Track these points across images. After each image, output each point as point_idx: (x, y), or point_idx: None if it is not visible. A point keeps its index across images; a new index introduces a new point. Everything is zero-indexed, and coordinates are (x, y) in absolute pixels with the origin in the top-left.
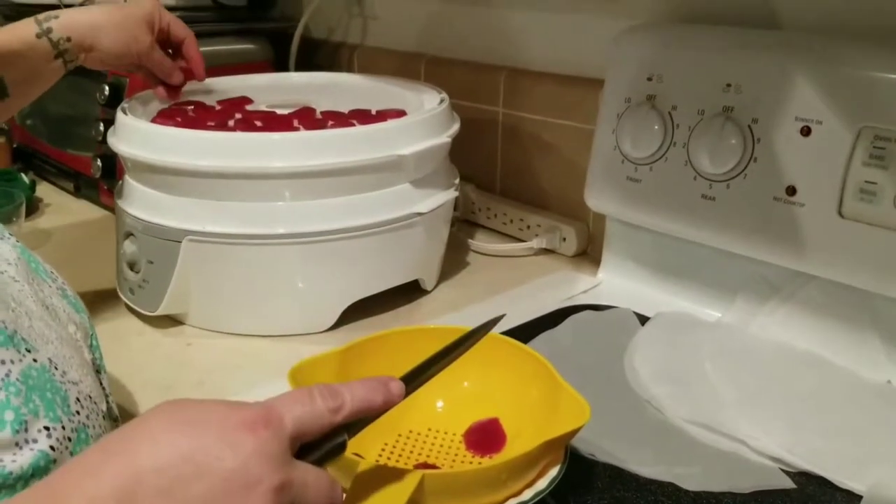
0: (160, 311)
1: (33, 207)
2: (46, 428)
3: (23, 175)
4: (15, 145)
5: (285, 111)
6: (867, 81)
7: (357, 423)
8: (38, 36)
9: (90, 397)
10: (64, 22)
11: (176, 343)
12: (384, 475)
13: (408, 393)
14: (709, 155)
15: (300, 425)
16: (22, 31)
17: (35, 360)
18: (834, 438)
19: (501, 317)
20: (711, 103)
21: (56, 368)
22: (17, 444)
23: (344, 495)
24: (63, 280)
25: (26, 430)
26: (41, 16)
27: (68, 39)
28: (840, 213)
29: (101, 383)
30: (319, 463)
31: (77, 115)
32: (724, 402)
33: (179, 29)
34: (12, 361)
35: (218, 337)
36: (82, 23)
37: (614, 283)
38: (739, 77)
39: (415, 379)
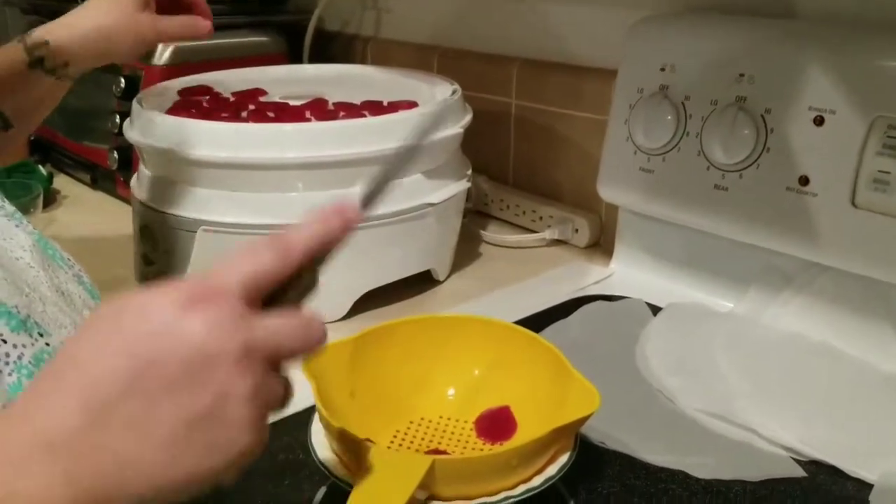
0: None
1: (50, 199)
2: None
3: (40, 167)
4: (32, 137)
5: (298, 103)
6: (881, 71)
7: (321, 256)
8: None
9: None
10: (49, 28)
11: None
12: (395, 460)
13: (366, 210)
14: (722, 145)
15: (251, 283)
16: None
17: (48, 344)
18: (846, 428)
19: (445, 107)
20: (724, 93)
21: None
22: None
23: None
24: (80, 267)
25: None
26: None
27: (65, 63)
28: (853, 203)
29: None
30: (297, 302)
31: (93, 107)
32: (735, 392)
33: None
34: (24, 346)
35: None
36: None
37: (626, 273)
38: (752, 67)
39: (372, 195)
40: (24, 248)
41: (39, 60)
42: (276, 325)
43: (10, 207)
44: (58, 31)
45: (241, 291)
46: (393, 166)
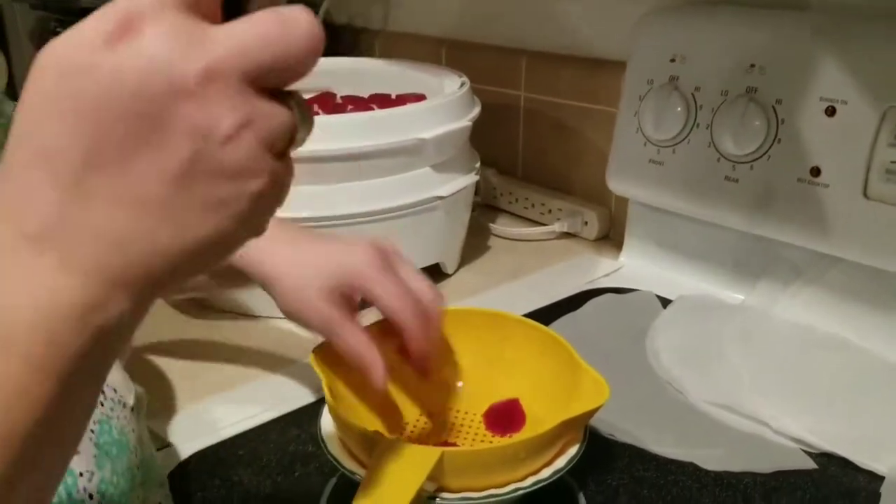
0: (186, 295)
1: None
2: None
3: None
4: None
5: (306, 96)
6: (893, 61)
7: None
8: None
9: (115, 390)
10: (247, 256)
11: (203, 326)
12: (404, 452)
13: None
14: (732, 136)
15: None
16: None
17: None
18: (856, 420)
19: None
20: (735, 84)
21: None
22: None
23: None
24: None
25: None
26: None
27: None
28: (865, 195)
29: (127, 376)
30: (255, 7)
31: None
32: (746, 384)
33: (397, 303)
34: None
35: (243, 320)
36: (266, 268)
37: (636, 266)
38: (763, 57)
39: None
40: None
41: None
42: (241, 32)
43: None
44: (256, 247)
45: (179, 2)
46: None
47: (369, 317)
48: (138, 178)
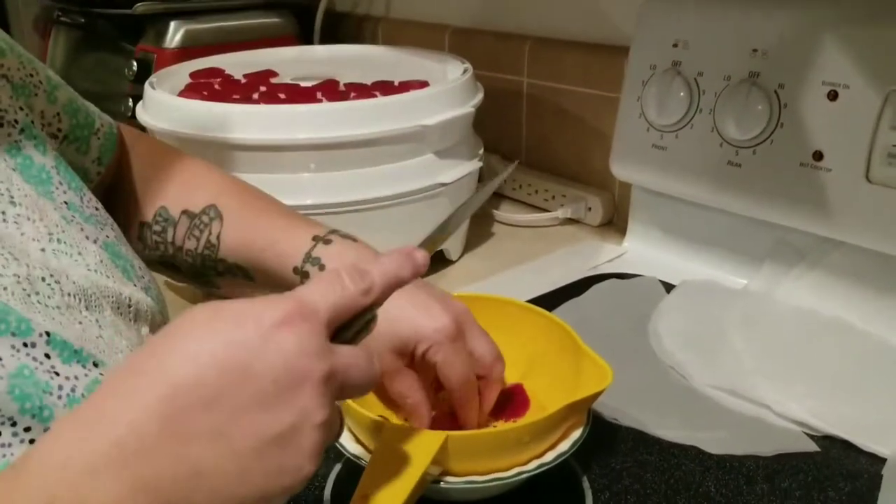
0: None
1: None
2: None
3: None
4: None
5: (309, 84)
6: (895, 44)
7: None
8: (298, 275)
9: None
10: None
11: None
12: (409, 437)
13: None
14: (735, 121)
15: (334, 312)
16: (283, 265)
17: (102, 374)
18: (859, 403)
19: (516, 163)
20: (738, 69)
21: None
22: None
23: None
24: (151, 277)
25: None
26: (308, 254)
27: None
28: (868, 178)
29: None
30: (353, 340)
31: (107, 91)
32: (748, 367)
33: (453, 374)
34: (76, 377)
35: None
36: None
37: (640, 251)
38: (766, 42)
39: (430, 242)
40: (89, 268)
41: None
42: (350, 358)
43: (88, 210)
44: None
45: (329, 320)
46: (453, 217)
47: None
48: (242, 429)
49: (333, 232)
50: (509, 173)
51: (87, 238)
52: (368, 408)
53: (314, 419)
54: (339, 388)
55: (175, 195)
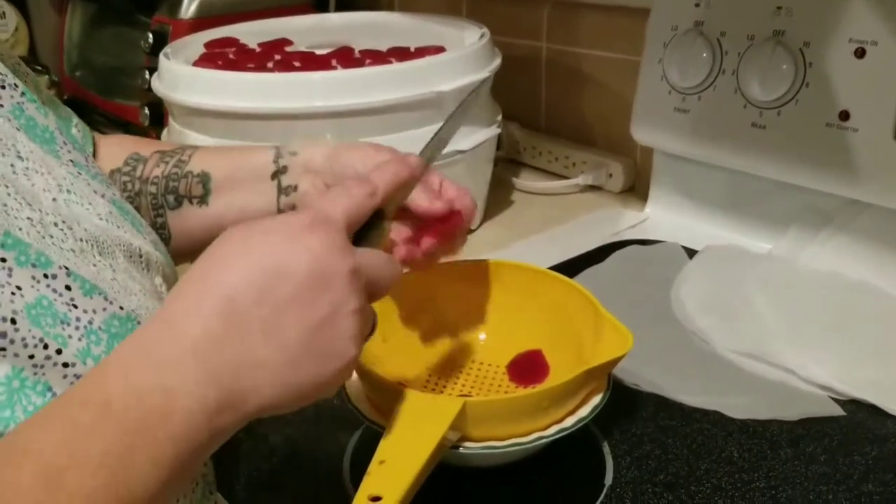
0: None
1: None
2: None
3: None
4: (65, 97)
5: (324, 52)
6: None
7: (390, 206)
8: (273, 164)
9: None
10: (302, 161)
11: None
12: (427, 403)
13: (428, 162)
14: (759, 82)
15: (348, 215)
16: (257, 159)
17: (121, 308)
18: (885, 367)
19: (486, 80)
20: (761, 28)
21: (140, 319)
22: None
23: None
24: (156, 236)
25: None
26: (280, 151)
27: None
28: None
29: None
30: (372, 245)
31: (124, 64)
32: (773, 332)
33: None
34: (94, 311)
35: None
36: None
37: (662, 217)
38: None
39: (429, 150)
40: (100, 217)
41: (283, 170)
42: (370, 257)
43: (93, 170)
44: (311, 153)
45: (345, 221)
46: (446, 127)
47: None
48: (288, 321)
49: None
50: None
51: (96, 192)
52: (388, 375)
53: (348, 307)
54: (366, 284)
55: (147, 146)
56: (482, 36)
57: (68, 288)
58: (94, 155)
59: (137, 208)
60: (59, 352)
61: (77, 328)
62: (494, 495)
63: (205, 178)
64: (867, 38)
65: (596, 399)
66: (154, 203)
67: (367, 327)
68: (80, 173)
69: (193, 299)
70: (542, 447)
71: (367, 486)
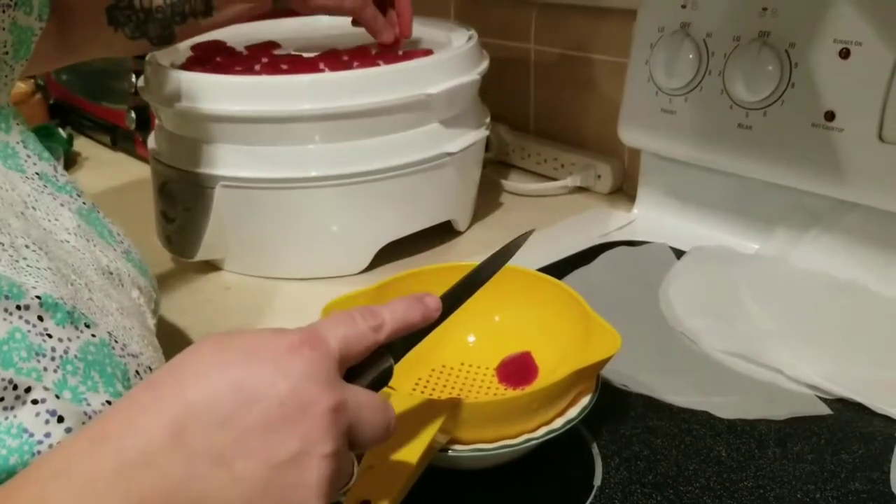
0: (198, 258)
1: (71, 161)
2: (108, 402)
3: (60, 130)
4: (52, 101)
5: (312, 55)
6: None
7: (401, 347)
8: None
9: (150, 369)
10: None
11: (215, 288)
12: (416, 405)
13: (445, 312)
14: (745, 82)
15: (345, 346)
16: None
17: (94, 336)
18: (873, 366)
19: (531, 232)
20: (747, 29)
21: (116, 342)
22: (82, 422)
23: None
24: (129, 242)
25: (88, 404)
26: None
27: None
28: (881, 138)
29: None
30: (368, 386)
31: (111, 68)
32: (761, 332)
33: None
34: (69, 339)
35: (255, 281)
36: None
37: (650, 218)
38: (776, 0)
39: (451, 298)
40: (68, 231)
41: None
42: (360, 397)
43: (62, 179)
44: None
45: (340, 352)
46: (474, 276)
47: None
48: (248, 452)
49: None
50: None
51: (63, 206)
52: None
53: (320, 449)
54: (350, 427)
55: None
56: (470, 38)
57: (41, 318)
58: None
59: (144, 34)
60: (28, 390)
61: (52, 359)
62: (484, 497)
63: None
64: (852, 38)
65: (585, 400)
66: (163, 26)
67: (341, 479)
68: (45, 186)
69: (140, 408)
70: (532, 449)
71: (357, 491)
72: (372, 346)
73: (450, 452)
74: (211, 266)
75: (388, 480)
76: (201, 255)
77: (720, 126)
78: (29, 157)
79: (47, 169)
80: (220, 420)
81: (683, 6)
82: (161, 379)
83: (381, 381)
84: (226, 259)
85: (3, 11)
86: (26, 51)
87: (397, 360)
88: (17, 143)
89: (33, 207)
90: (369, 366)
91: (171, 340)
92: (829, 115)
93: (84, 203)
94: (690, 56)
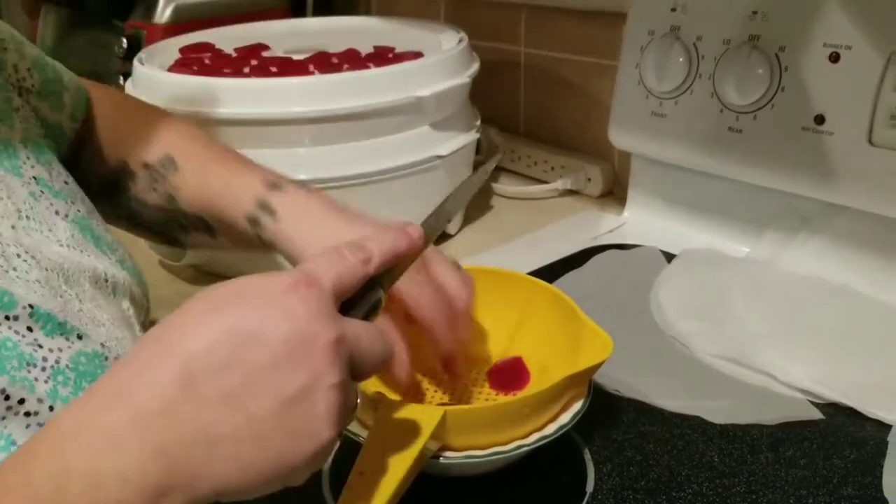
0: (185, 261)
1: None
2: None
3: None
4: None
5: (301, 57)
6: None
7: (388, 276)
8: (250, 223)
9: None
10: (280, 230)
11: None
12: (407, 413)
13: (428, 237)
14: (735, 86)
15: (338, 281)
16: (237, 210)
17: (86, 346)
18: (864, 370)
19: (497, 157)
20: (737, 32)
21: (109, 353)
22: None
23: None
24: (124, 250)
25: None
26: (261, 199)
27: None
28: (870, 141)
29: None
30: (362, 317)
31: (98, 70)
32: (751, 336)
33: (423, 302)
34: (60, 349)
35: None
36: (297, 245)
37: (640, 221)
38: (766, 4)
39: (432, 223)
40: (60, 243)
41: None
42: (359, 328)
43: (57, 186)
44: (290, 222)
45: (334, 288)
46: (449, 200)
47: None
48: (257, 390)
49: (285, 178)
50: (498, 158)
51: (57, 214)
52: (364, 385)
53: (327, 380)
54: (351, 357)
55: (134, 148)
56: (460, 41)
57: (30, 329)
58: (90, 110)
59: (143, 227)
60: (21, 401)
61: (44, 369)
62: None
63: (203, 224)
64: (841, 42)
65: (577, 406)
66: (161, 228)
67: (348, 408)
68: (42, 192)
69: (145, 362)
70: (524, 455)
71: (347, 498)
72: (363, 279)
73: (441, 459)
74: (200, 270)
75: (379, 488)
76: (189, 258)
77: (710, 129)
78: (28, 158)
79: (43, 173)
80: (225, 364)
81: (673, 9)
82: (161, 334)
83: (372, 312)
84: (213, 262)
85: (21, 96)
86: (53, 149)
87: (386, 289)
88: (19, 142)
89: (27, 217)
90: (361, 298)
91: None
92: (819, 119)
93: (79, 210)
94: (680, 59)
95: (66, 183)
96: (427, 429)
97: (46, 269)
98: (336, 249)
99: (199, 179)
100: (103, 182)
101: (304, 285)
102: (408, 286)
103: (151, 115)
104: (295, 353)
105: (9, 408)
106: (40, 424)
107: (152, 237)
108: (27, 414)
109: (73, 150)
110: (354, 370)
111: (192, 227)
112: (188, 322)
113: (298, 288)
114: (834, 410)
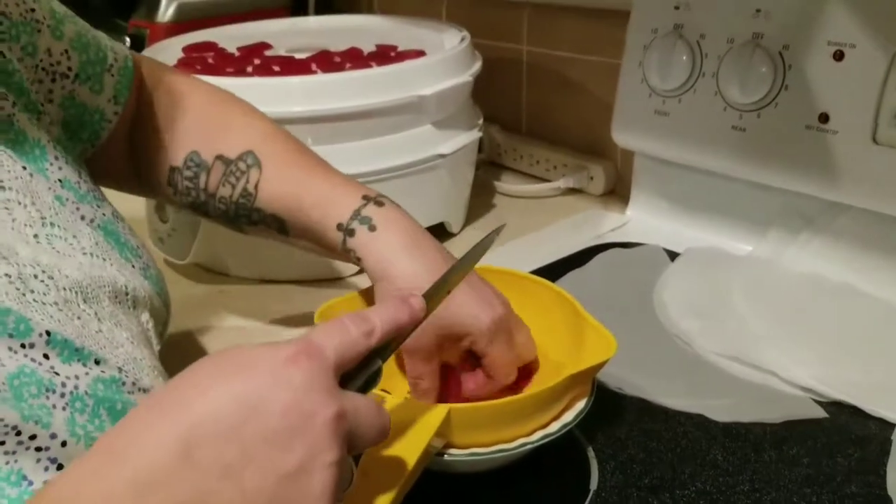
0: (190, 260)
1: None
2: None
3: None
4: None
5: (304, 56)
6: None
7: (387, 348)
8: (343, 232)
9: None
10: (369, 246)
11: (209, 290)
12: (411, 410)
13: (429, 308)
14: (739, 84)
15: (340, 354)
16: (330, 218)
17: (103, 372)
18: (867, 368)
19: (501, 227)
20: (741, 31)
21: (126, 377)
22: None
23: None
24: (149, 256)
25: None
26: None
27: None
28: (875, 140)
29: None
30: (361, 391)
31: None
32: (755, 334)
33: (502, 366)
34: (77, 377)
35: (249, 283)
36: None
37: (643, 220)
38: (769, 2)
39: (434, 294)
40: (84, 252)
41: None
42: (358, 403)
43: (84, 187)
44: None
45: (336, 361)
46: (452, 271)
47: None
48: (255, 464)
49: (383, 196)
50: (503, 229)
51: (83, 219)
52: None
53: (325, 458)
54: (349, 433)
55: (207, 138)
56: (462, 39)
57: (46, 357)
58: (147, 93)
59: (205, 213)
60: (32, 437)
61: (62, 395)
62: (480, 502)
63: (279, 223)
64: (845, 40)
65: (580, 404)
66: (227, 218)
67: (342, 486)
68: (68, 196)
69: (148, 425)
70: (528, 453)
71: (352, 497)
72: (365, 352)
73: (445, 457)
74: (204, 269)
75: (384, 486)
76: (193, 257)
77: (714, 128)
78: (57, 158)
79: (71, 176)
80: (226, 433)
81: (677, 7)
82: (163, 397)
83: (371, 384)
84: (218, 261)
85: (54, 81)
86: (92, 134)
87: (384, 360)
88: (47, 142)
89: (51, 223)
90: (360, 370)
91: (164, 342)
92: (823, 118)
93: (104, 214)
94: (684, 58)
95: (93, 186)
96: (431, 427)
97: (64, 289)
98: (339, 321)
99: (288, 187)
100: (167, 169)
101: (306, 356)
102: (495, 347)
103: (224, 103)
104: (294, 427)
105: (20, 443)
106: (51, 460)
107: (212, 221)
108: (38, 449)
109: (129, 133)
110: (351, 444)
111: (262, 222)
112: (192, 389)
113: (300, 359)
114: (837, 409)
